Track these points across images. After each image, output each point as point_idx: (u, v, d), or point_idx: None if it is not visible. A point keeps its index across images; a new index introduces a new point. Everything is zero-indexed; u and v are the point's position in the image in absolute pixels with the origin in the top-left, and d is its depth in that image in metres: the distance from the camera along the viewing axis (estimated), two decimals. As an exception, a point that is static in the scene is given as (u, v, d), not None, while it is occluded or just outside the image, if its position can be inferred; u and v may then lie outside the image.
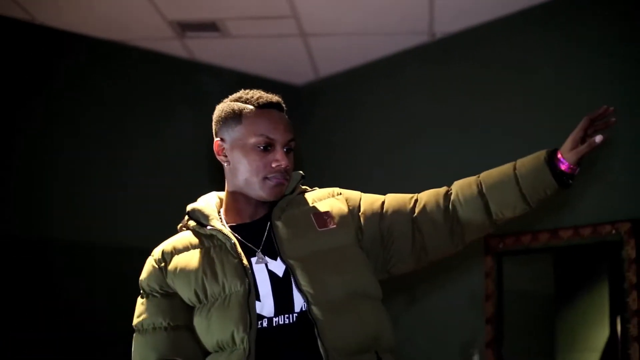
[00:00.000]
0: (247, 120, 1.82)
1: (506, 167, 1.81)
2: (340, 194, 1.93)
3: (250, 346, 1.68)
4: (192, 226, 1.87)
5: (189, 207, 1.89)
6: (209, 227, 1.82)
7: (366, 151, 4.23)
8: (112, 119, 4.02)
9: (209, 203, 1.90)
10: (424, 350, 3.62)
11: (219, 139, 1.86)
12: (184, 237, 1.87)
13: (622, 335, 2.96)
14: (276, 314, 1.73)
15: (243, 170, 1.81)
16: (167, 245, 1.88)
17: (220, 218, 1.86)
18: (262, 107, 1.83)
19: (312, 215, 1.84)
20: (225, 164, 1.86)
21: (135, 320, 1.84)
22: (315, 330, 1.69)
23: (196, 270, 1.79)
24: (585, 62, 3.33)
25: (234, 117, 1.83)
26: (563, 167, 1.74)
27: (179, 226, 1.93)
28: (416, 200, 1.87)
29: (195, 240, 1.85)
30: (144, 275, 1.86)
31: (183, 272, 1.80)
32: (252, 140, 1.80)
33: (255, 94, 1.87)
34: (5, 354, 3.43)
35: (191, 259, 1.81)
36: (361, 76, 4.34)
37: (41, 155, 3.79)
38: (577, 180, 1.80)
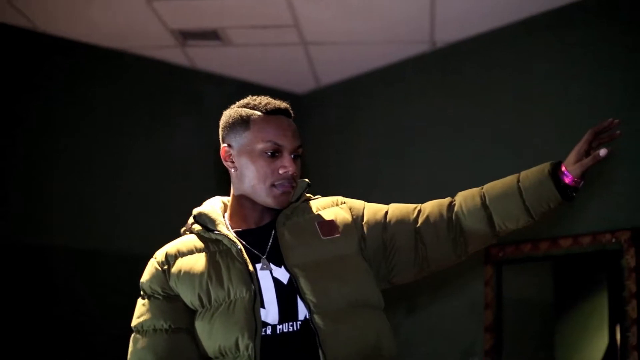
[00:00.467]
0: (255, 127, 1.81)
1: (510, 179, 1.80)
2: (344, 202, 1.92)
3: (255, 353, 1.67)
4: (197, 230, 1.86)
5: (195, 211, 1.88)
6: (215, 232, 1.81)
7: (367, 159, 4.23)
8: (113, 126, 4.03)
9: (215, 208, 1.89)
10: (425, 359, 3.62)
11: (226, 144, 1.85)
12: (189, 241, 1.86)
13: (622, 343, 2.95)
14: (280, 322, 1.72)
15: (250, 176, 1.81)
16: (170, 247, 1.86)
17: (225, 223, 1.85)
18: (270, 114, 1.83)
19: (316, 224, 1.84)
20: (232, 170, 1.85)
21: (135, 321, 1.81)
22: (317, 339, 1.69)
23: (201, 275, 1.77)
24: (586, 71, 3.34)
25: (242, 123, 1.82)
26: (567, 180, 1.72)
27: (182, 229, 1.92)
28: (419, 211, 1.87)
29: (200, 244, 1.84)
30: (145, 276, 1.84)
31: (187, 275, 1.79)
32: (260, 146, 1.80)
33: (263, 100, 1.86)
34: (6, 360, 3.44)
35: (196, 263, 1.80)
36: (362, 85, 4.34)
37: (42, 162, 3.80)
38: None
